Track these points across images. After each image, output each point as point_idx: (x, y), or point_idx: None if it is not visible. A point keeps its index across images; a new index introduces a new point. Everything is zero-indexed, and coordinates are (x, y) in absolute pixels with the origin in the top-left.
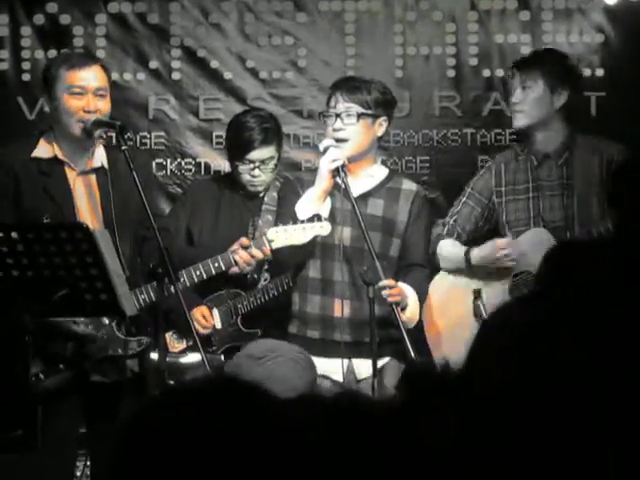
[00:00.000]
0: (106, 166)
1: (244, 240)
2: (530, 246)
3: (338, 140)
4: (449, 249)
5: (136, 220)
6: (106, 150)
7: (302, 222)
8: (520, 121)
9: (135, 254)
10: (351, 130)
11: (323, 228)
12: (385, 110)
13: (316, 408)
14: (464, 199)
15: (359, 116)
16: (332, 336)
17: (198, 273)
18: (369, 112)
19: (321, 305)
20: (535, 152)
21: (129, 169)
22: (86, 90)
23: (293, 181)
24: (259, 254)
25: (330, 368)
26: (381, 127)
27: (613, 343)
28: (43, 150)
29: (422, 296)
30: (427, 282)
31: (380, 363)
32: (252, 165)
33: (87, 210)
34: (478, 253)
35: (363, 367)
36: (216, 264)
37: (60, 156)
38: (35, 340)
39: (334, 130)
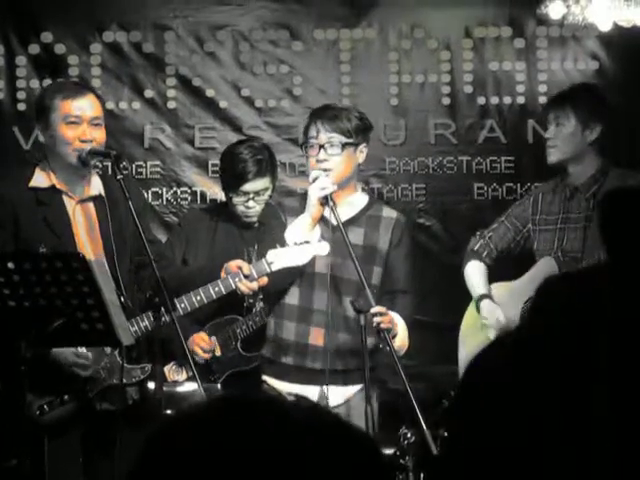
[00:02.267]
0: (103, 194)
1: (244, 268)
2: (539, 275)
3: (322, 170)
4: (470, 281)
5: (132, 248)
6: (102, 179)
7: (300, 243)
8: (553, 157)
9: (133, 281)
10: (335, 160)
11: (322, 248)
12: (364, 137)
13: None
14: (503, 219)
15: (343, 146)
16: (306, 363)
17: (199, 298)
18: (351, 141)
19: (296, 332)
20: (569, 185)
21: (125, 198)
22: (82, 119)
23: (274, 206)
24: (263, 280)
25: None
26: (362, 154)
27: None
28: (40, 180)
29: (407, 323)
30: (410, 308)
31: (352, 390)
32: (246, 197)
33: (87, 238)
34: (485, 307)
35: (336, 395)
36: (216, 288)
37: (58, 185)
38: (39, 372)
39: (318, 161)
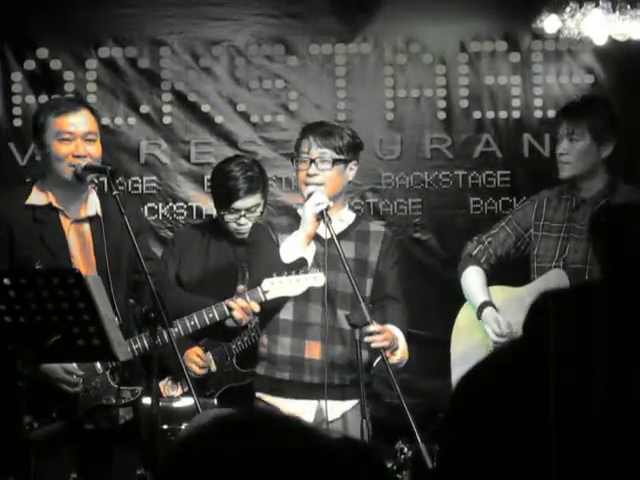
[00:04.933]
0: (100, 214)
1: (240, 300)
2: (549, 285)
3: (313, 185)
4: (470, 287)
5: (129, 267)
6: (99, 197)
7: (296, 273)
8: (566, 172)
9: (128, 301)
10: (325, 175)
11: (317, 280)
12: (355, 155)
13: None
14: (503, 224)
15: (334, 162)
16: (303, 378)
17: (192, 323)
18: (342, 157)
19: (292, 347)
20: (576, 195)
21: (120, 214)
22: (75, 135)
23: (263, 225)
24: (256, 307)
25: (299, 409)
26: (351, 171)
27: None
28: (37, 197)
29: (402, 330)
30: (404, 317)
31: (349, 405)
32: (238, 214)
33: (80, 258)
34: (488, 317)
35: (333, 409)
36: (210, 315)
37: (55, 203)
38: (29, 389)
39: (309, 175)
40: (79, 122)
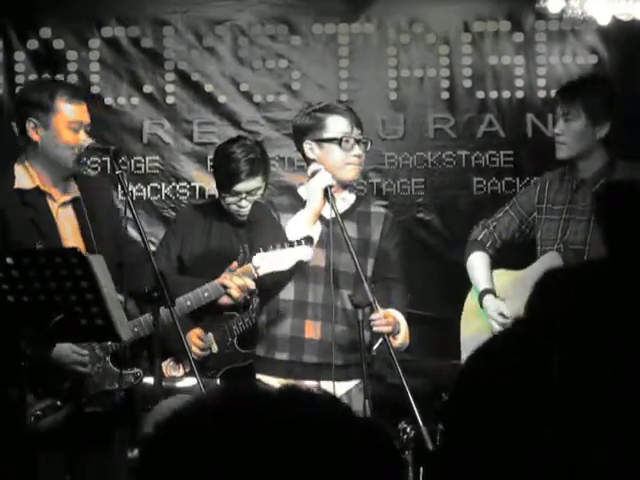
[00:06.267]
0: (80, 197)
1: (236, 277)
2: (544, 267)
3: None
4: (474, 273)
5: (113, 248)
6: (76, 181)
7: (283, 247)
8: (562, 153)
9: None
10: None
11: (305, 253)
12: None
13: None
14: (507, 208)
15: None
16: (302, 358)
17: (188, 304)
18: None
19: (292, 326)
20: (575, 177)
21: (124, 194)
22: (82, 125)
23: (264, 204)
24: (251, 284)
25: None
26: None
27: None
28: (24, 180)
29: (402, 312)
30: (404, 299)
31: (349, 385)
32: (238, 197)
33: (70, 241)
34: (488, 302)
35: (336, 389)
36: (205, 294)
37: (42, 187)
38: (34, 376)
39: (356, 156)
40: (84, 113)
